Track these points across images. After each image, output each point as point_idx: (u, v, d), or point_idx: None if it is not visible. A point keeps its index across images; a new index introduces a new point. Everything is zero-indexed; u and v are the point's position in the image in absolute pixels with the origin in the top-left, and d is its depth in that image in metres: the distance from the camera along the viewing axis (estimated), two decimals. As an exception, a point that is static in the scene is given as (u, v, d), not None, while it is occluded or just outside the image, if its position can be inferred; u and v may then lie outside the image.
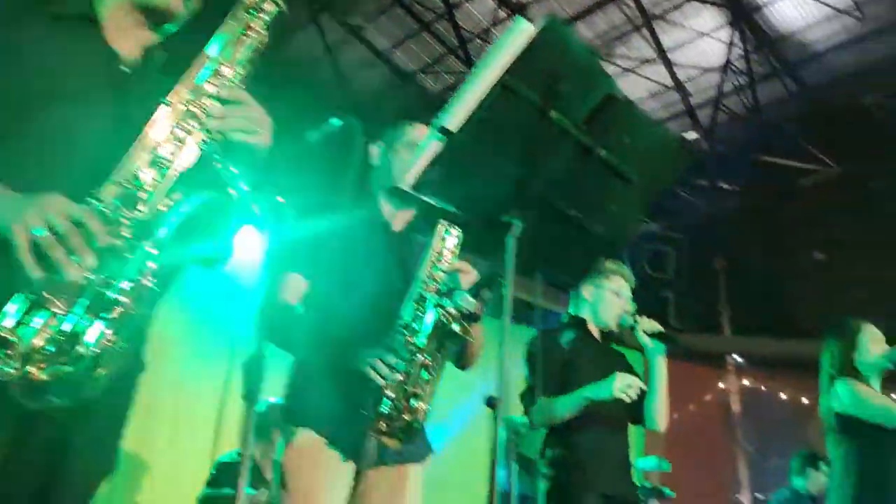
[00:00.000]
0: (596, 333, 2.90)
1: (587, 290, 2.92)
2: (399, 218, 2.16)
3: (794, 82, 8.04)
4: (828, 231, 9.30)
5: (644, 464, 4.80)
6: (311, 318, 1.97)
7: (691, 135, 8.75)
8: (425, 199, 1.55)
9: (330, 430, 1.95)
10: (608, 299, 2.87)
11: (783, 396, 9.44)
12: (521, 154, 1.57)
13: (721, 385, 9.51)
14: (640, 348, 2.86)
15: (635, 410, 2.85)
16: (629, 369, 2.88)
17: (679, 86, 8.20)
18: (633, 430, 3.03)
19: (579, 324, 2.91)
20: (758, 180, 8.93)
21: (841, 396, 3.06)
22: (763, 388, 9.55)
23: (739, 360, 9.49)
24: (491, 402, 1.75)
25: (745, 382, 9.59)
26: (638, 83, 8.21)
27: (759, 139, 8.62)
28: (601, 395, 2.68)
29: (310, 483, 1.91)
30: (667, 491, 4.92)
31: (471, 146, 1.48)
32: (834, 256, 9.40)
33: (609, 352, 2.92)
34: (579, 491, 2.61)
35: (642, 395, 2.76)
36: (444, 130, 1.42)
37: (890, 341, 3.34)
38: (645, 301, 7.87)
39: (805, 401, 9.20)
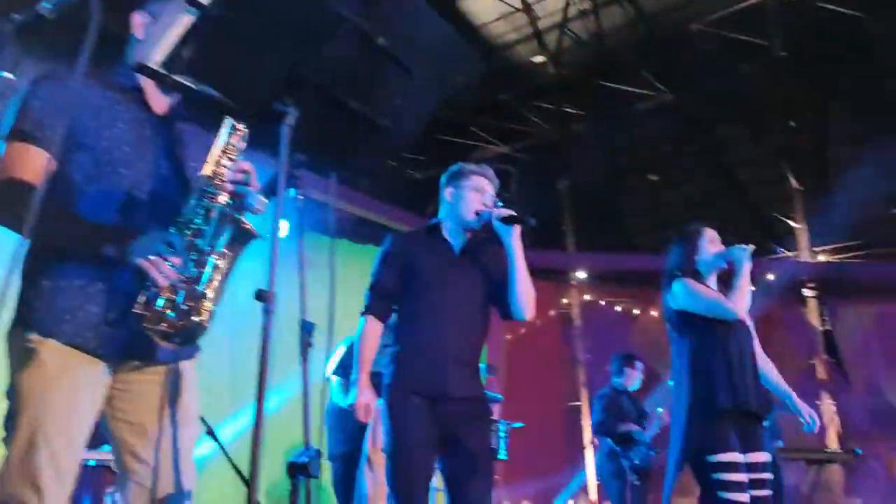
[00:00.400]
0: (453, 237, 2.84)
1: (447, 192, 2.87)
2: (161, 101, 1.88)
3: (633, 9, 8.34)
4: (660, 154, 9.91)
5: None
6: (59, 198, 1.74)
7: (538, 59, 8.98)
8: (178, 79, 1.48)
9: (87, 336, 1.74)
10: (468, 196, 2.81)
11: (618, 308, 10.15)
12: (293, 37, 1.53)
13: (564, 300, 10.05)
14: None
15: (498, 302, 2.81)
16: (481, 270, 2.82)
17: (527, 8, 8.32)
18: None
19: (432, 229, 2.86)
20: (599, 105, 9.32)
21: (676, 294, 3.17)
22: (601, 301, 10.20)
23: (582, 276, 10.02)
24: (260, 296, 1.73)
25: (587, 297, 10.18)
26: (487, 4, 8.26)
27: (602, 65, 8.96)
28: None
29: (49, 411, 1.69)
30: (497, 396, 5.20)
31: (231, 24, 1.43)
32: (664, 178, 10.05)
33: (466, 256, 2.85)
34: (408, 391, 2.59)
35: (503, 287, 2.76)
36: (194, 2, 1.34)
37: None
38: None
39: (636, 311, 9.95)
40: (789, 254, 9.78)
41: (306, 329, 1.93)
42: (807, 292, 8.93)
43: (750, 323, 3.22)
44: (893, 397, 7.92)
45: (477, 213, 2.79)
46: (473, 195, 2.81)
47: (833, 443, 7.78)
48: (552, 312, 10.00)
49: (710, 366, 3.06)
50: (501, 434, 4.84)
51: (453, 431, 2.62)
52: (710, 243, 3.35)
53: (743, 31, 8.05)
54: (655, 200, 10.42)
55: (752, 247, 3.22)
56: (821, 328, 8.65)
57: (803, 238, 9.50)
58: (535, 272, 8.51)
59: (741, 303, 3.12)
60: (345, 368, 4.03)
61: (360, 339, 2.78)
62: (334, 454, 4.22)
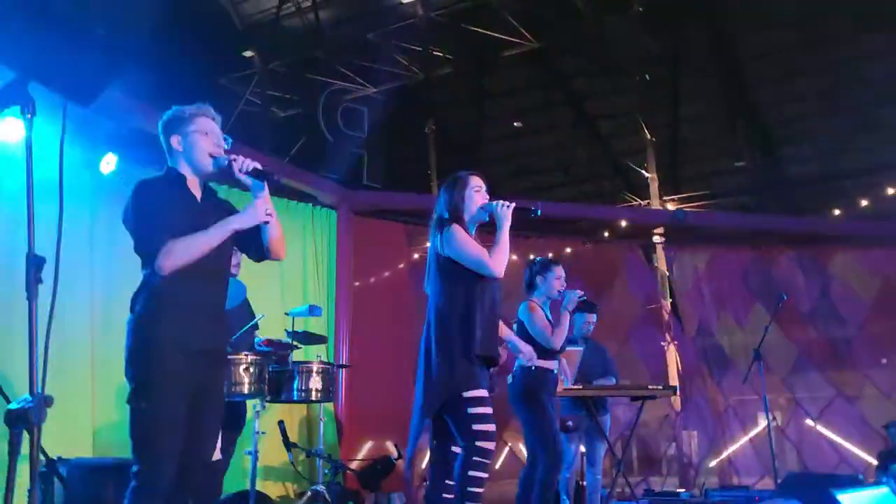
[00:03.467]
0: (197, 185, 2.67)
1: (174, 141, 2.66)
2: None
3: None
4: (525, 102, 10.18)
5: (295, 311, 5.05)
6: None
7: (407, -1, 8.94)
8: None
9: None
10: (197, 142, 2.65)
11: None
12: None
13: (429, 244, 10.24)
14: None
15: (248, 247, 2.78)
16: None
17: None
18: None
19: (176, 178, 2.66)
20: (468, 50, 9.42)
21: (446, 241, 3.19)
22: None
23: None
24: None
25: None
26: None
27: (471, 9, 9.03)
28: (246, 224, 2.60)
29: None
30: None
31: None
32: (527, 126, 10.35)
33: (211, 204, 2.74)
34: (163, 346, 2.45)
35: (257, 231, 2.69)
36: None
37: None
38: (339, 157, 8.22)
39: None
40: (641, 202, 10.36)
41: (33, 263, 1.78)
42: (656, 239, 9.47)
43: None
44: (720, 339, 8.62)
45: (212, 157, 2.65)
46: (202, 139, 2.65)
47: (674, 381, 8.39)
48: (416, 256, 10.16)
49: (472, 313, 3.17)
50: (328, 375, 4.92)
51: (203, 385, 2.54)
52: (476, 191, 3.32)
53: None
54: (518, 147, 10.72)
55: (512, 205, 3.26)
56: (667, 274, 9.24)
57: (654, 187, 10.08)
58: (398, 214, 8.51)
59: (501, 259, 3.21)
60: None
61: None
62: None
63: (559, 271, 4.51)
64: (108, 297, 5.26)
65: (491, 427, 3.13)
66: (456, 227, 3.23)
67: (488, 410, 3.14)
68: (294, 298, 6.49)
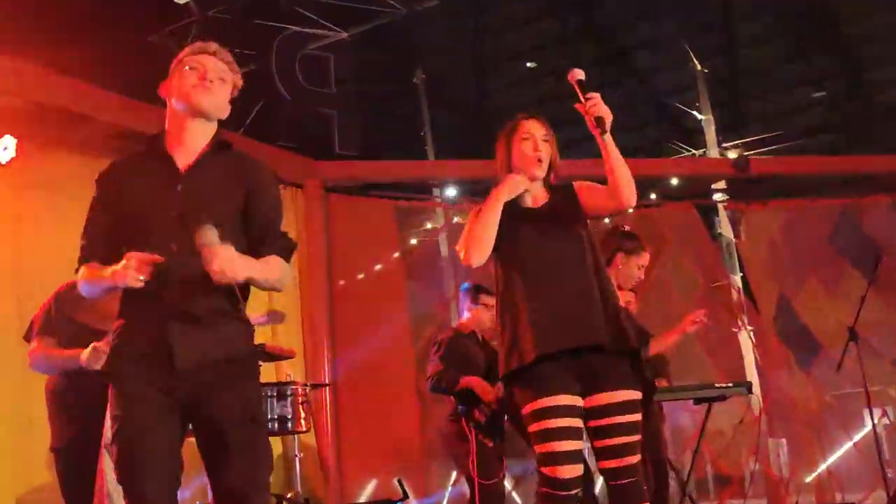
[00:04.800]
0: (193, 137, 2.81)
1: (167, 88, 2.88)
2: None
3: None
4: (535, 36, 9.96)
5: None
6: None
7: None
8: None
9: None
10: (182, 77, 2.80)
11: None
12: None
13: (428, 225, 10.02)
14: None
15: None
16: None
17: None
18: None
19: (151, 143, 2.87)
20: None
21: None
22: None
23: (451, 192, 9.97)
24: None
25: (458, 220, 10.17)
26: None
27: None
28: None
29: None
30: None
31: None
32: (543, 65, 10.12)
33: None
34: (133, 358, 2.64)
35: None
36: None
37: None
38: (304, 121, 7.98)
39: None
40: (695, 152, 10.15)
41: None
42: (717, 197, 9.30)
43: None
44: (806, 318, 8.46)
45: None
46: (188, 73, 2.76)
47: (751, 376, 8.26)
48: (413, 241, 9.95)
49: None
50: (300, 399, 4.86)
51: (197, 402, 2.62)
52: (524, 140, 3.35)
53: None
54: (533, 94, 10.49)
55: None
56: (734, 240, 9.11)
57: (711, 132, 9.84)
58: (385, 187, 8.34)
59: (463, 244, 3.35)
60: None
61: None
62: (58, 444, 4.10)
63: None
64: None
65: None
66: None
67: None
68: (256, 303, 6.36)
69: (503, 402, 5.15)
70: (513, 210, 3.24)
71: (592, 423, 3.07)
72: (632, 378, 3.12)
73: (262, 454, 2.68)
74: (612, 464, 3.04)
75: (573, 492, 3.02)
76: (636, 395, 3.09)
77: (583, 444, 3.13)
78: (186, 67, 2.75)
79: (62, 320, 4.03)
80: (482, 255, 3.17)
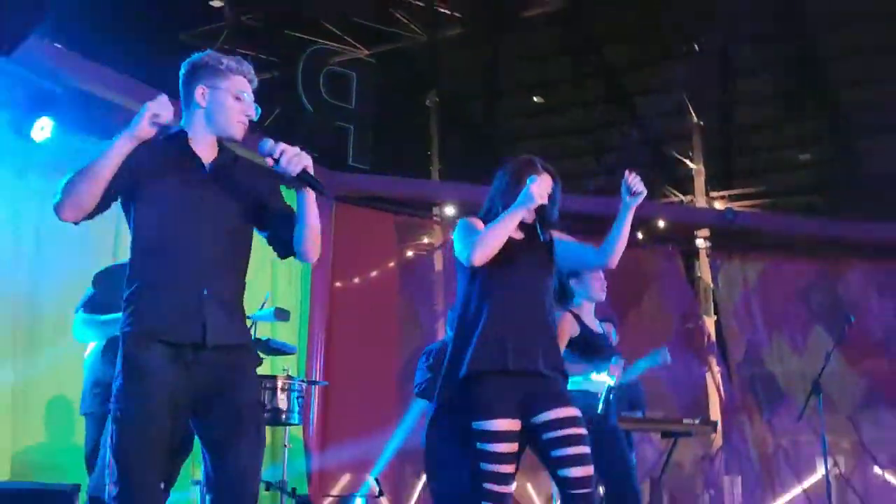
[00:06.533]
0: (211, 147, 2.81)
1: (199, 92, 2.71)
2: None
3: None
4: (547, 72, 10.15)
5: (258, 315, 5.09)
6: None
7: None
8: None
9: None
10: (228, 105, 2.71)
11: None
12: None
13: (425, 239, 10.23)
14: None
15: (279, 244, 2.84)
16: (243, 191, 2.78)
17: None
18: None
19: (174, 137, 2.75)
20: (481, 7, 9.43)
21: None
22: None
23: (450, 211, 10.19)
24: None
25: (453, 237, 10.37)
26: None
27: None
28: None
29: None
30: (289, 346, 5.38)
31: None
32: (550, 100, 10.34)
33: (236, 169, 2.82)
34: (149, 338, 2.58)
35: (289, 224, 2.74)
36: None
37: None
38: (322, 132, 8.23)
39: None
40: (684, 198, 10.36)
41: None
42: (699, 243, 9.42)
43: None
44: (772, 366, 8.61)
45: (243, 127, 2.73)
46: (234, 104, 2.70)
47: (715, 415, 8.40)
48: (410, 253, 10.17)
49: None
50: (295, 393, 5.01)
51: (210, 386, 2.64)
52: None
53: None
54: (539, 126, 10.71)
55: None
56: (711, 286, 9.22)
57: (700, 181, 10.07)
58: (388, 202, 8.53)
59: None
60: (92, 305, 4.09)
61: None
62: (86, 410, 4.12)
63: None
64: (35, 292, 5.33)
65: None
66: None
67: None
68: (260, 300, 6.52)
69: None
70: None
71: (548, 436, 3.16)
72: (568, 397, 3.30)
73: (263, 438, 2.75)
74: (579, 472, 3.12)
75: None
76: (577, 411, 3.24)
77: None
78: (234, 94, 2.71)
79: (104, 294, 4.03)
80: (486, 259, 3.24)
